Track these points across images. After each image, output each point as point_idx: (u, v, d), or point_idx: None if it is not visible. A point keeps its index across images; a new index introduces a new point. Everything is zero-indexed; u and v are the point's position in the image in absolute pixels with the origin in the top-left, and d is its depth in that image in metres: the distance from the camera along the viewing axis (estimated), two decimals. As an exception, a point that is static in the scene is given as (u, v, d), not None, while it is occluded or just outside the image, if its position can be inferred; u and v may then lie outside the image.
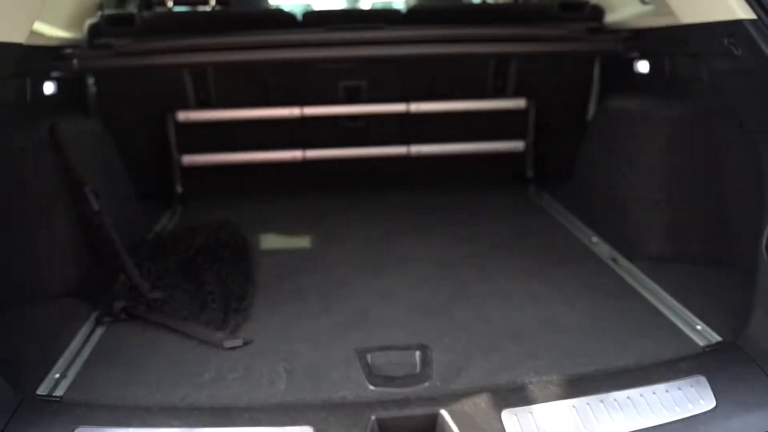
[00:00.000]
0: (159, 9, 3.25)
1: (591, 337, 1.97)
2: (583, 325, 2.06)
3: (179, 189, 3.49)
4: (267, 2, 4.87)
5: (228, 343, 1.99)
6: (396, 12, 3.40)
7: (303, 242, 2.92)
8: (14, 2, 2.13)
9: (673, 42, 2.80)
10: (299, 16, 3.32)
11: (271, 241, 2.95)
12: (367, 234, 2.96)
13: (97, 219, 2.45)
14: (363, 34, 3.01)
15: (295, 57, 3.04)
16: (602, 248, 2.75)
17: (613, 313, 2.14)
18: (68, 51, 2.96)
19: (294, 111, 3.39)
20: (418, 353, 1.91)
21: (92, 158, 2.86)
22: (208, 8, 3.29)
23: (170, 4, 3.24)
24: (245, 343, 2.00)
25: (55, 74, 2.95)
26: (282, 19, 3.28)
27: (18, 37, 2.20)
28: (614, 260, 2.62)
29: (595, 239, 2.84)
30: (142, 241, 2.83)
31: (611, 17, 3.46)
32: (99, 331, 2.15)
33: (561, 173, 3.60)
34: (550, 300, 2.24)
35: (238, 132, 3.48)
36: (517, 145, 3.61)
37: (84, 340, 2.09)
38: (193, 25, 3.24)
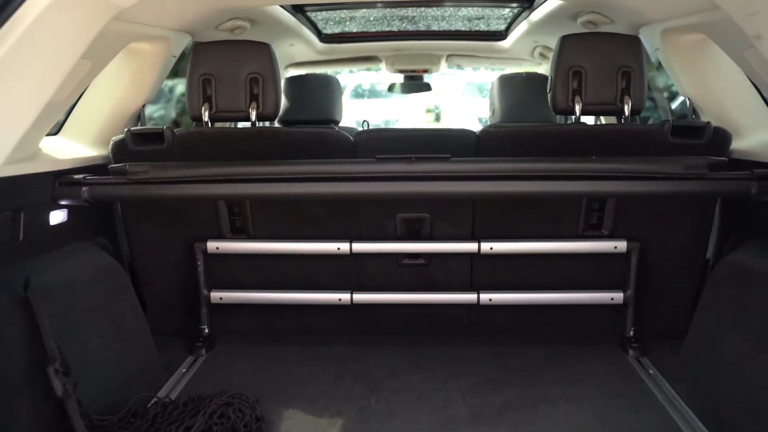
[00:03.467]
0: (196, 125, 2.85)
1: None
2: None
3: (206, 330, 2.99)
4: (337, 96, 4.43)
5: None
6: (469, 134, 2.83)
7: (333, 428, 2.31)
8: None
9: None
10: (352, 137, 2.81)
11: (293, 422, 2.36)
12: (414, 423, 2.32)
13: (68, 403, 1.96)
14: (422, 166, 2.46)
15: (342, 192, 2.53)
16: (733, 474, 2.00)
17: None
18: (78, 177, 2.56)
19: (342, 246, 2.85)
20: None
21: (91, 303, 2.42)
22: (248, 124, 2.84)
23: (206, 117, 2.80)
24: None
25: (64, 202, 2.56)
26: (331, 140, 2.79)
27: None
28: None
29: None
30: (137, 412, 2.32)
31: (739, 144, 2.78)
32: None
33: (670, 334, 2.87)
34: None
35: (276, 267, 2.98)
36: (614, 296, 2.91)
37: None
38: (231, 144, 2.79)
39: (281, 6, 3.61)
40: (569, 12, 3.42)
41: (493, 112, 4.36)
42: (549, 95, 2.87)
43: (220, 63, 2.80)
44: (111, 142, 2.78)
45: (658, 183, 2.50)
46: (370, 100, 15.89)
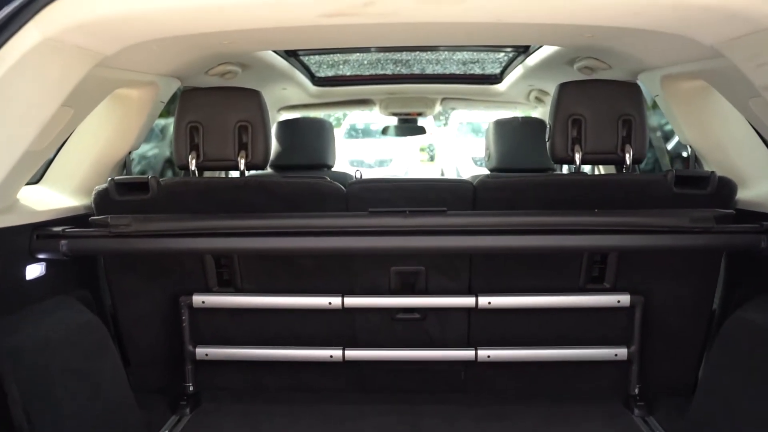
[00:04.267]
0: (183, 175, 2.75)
1: None
2: None
3: (190, 387, 2.85)
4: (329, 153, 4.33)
5: None
6: (465, 185, 2.73)
7: None
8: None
9: None
10: (344, 187, 2.71)
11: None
12: None
13: None
14: (417, 220, 2.36)
15: (334, 247, 2.43)
16: None
17: None
18: (57, 230, 2.45)
19: (334, 301, 2.73)
20: None
21: (66, 363, 2.28)
22: (236, 173, 2.74)
23: (192, 166, 2.70)
24: None
25: (42, 256, 2.44)
26: (323, 191, 2.68)
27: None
28: None
29: None
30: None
31: (745, 194, 2.69)
32: None
33: (676, 392, 2.74)
34: None
35: (265, 322, 2.85)
36: (618, 352, 2.79)
37: None
38: (218, 194, 2.69)
39: (275, 52, 3.54)
40: (566, 57, 3.37)
41: (488, 156, 4.28)
42: (548, 143, 2.78)
43: (208, 110, 2.71)
44: (93, 192, 2.67)
45: (664, 237, 2.40)
46: (364, 139, 15.94)
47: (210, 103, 2.73)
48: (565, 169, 4.08)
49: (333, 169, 4.37)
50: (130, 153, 3.08)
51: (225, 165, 2.76)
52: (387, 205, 2.52)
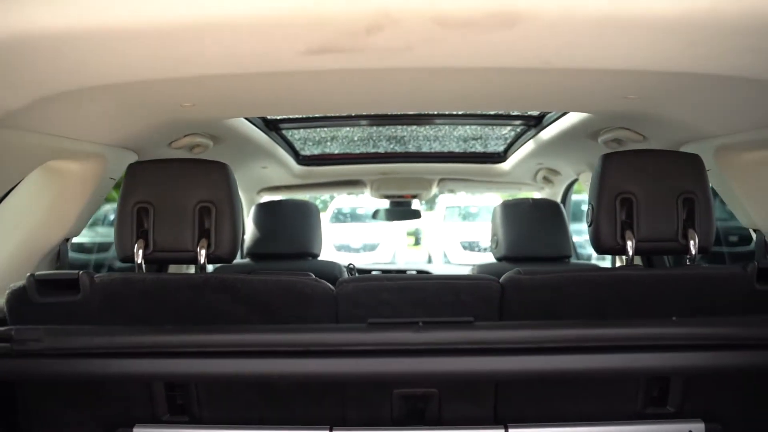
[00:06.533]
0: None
1: None
2: None
3: None
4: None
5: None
6: (489, 284, 2.14)
7: None
8: None
9: None
10: (333, 287, 2.12)
11: None
12: None
13: None
14: (434, 335, 1.76)
15: (320, 372, 1.82)
16: None
17: None
18: None
19: None
20: None
21: None
22: (192, 269, 2.16)
23: (139, 258, 2.10)
24: None
25: None
26: (306, 292, 2.09)
27: None
28: None
29: None
30: None
31: None
32: None
33: None
34: None
35: None
36: None
37: None
38: (169, 296, 2.08)
39: (252, 123, 3.08)
40: (590, 128, 2.91)
41: (496, 243, 3.76)
42: (590, 229, 2.23)
43: (161, 188, 2.14)
44: (7, 291, 2.05)
45: (758, 353, 1.82)
46: (351, 224, 15.76)
47: (163, 178, 2.16)
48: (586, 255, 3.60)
49: (319, 258, 3.85)
50: (67, 240, 2.50)
51: (181, 257, 2.16)
52: (389, 309, 1.95)
